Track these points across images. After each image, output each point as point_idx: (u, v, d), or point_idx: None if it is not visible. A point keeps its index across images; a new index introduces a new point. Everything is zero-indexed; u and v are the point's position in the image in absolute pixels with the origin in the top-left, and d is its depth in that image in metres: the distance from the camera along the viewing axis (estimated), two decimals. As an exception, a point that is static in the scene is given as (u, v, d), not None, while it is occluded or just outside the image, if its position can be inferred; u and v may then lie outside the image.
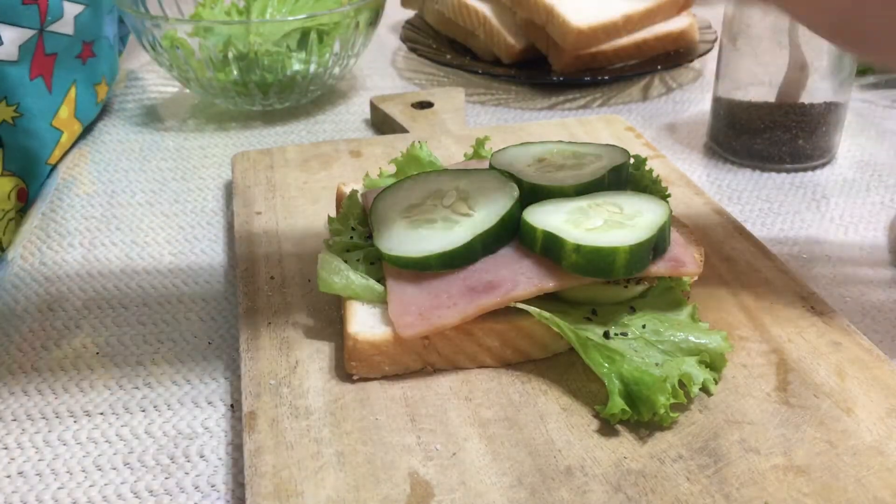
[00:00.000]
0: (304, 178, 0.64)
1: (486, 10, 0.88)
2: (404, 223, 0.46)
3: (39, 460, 0.42)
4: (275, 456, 0.38)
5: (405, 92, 0.80)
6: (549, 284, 0.43)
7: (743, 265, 0.52)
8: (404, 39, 0.93)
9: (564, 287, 0.43)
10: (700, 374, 0.41)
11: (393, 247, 0.45)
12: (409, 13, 1.02)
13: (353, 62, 0.82)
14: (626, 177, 0.51)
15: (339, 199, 0.56)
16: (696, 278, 0.47)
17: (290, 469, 0.38)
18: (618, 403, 0.39)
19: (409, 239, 0.45)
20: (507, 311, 0.43)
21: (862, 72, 0.85)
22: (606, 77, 0.83)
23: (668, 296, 0.45)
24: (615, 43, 0.85)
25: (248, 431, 0.40)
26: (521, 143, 0.54)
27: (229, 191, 0.67)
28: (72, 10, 0.68)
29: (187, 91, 0.86)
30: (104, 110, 0.83)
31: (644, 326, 0.43)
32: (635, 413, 0.39)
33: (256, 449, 0.39)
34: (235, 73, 0.76)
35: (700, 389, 0.41)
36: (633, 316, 0.44)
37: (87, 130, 0.79)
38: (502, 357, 0.44)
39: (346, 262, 0.47)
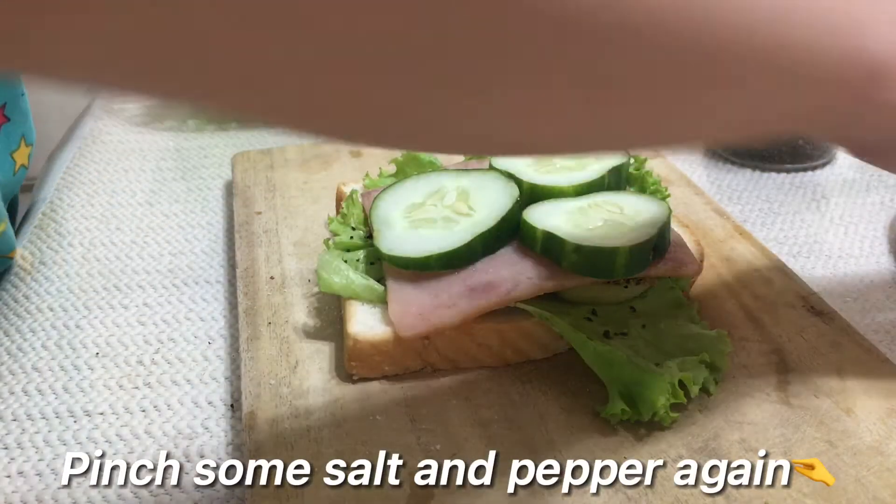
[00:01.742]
0: (304, 178, 0.64)
1: (486, 10, 0.88)
2: (404, 223, 0.46)
3: (39, 460, 0.42)
4: (275, 456, 0.38)
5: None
6: (549, 284, 0.43)
7: (743, 265, 0.52)
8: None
9: (564, 287, 0.43)
10: (700, 374, 0.40)
11: (393, 247, 0.45)
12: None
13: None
14: (625, 177, 0.51)
15: (339, 199, 0.56)
16: (696, 278, 0.47)
17: (290, 469, 0.37)
18: (618, 403, 0.39)
19: (409, 239, 0.45)
20: (507, 311, 0.43)
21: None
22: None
23: (668, 296, 0.45)
24: (615, 43, 0.84)
25: (248, 431, 0.40)
26: (521, 143, 0.54)
27: (229, 191, 0.67)
28: None
29: (187, 91, 0.85)
30: (104, 112, 0.83)
31: (644, 326, 0.43)
32: (635, 413, 0.39)
33: (256, 449, 0.39)
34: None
35: (700, 389, 0.41)
36: (633, 316, 0.44)
37: (86, 133, 0.79)
38: (502, 357, 0.44)
39: (346, 262, 0.47)
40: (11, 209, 0.65)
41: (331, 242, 0.49)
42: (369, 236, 0.49)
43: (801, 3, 0.26)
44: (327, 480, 0.37)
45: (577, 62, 0.24)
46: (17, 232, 0.62)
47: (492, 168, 0.50)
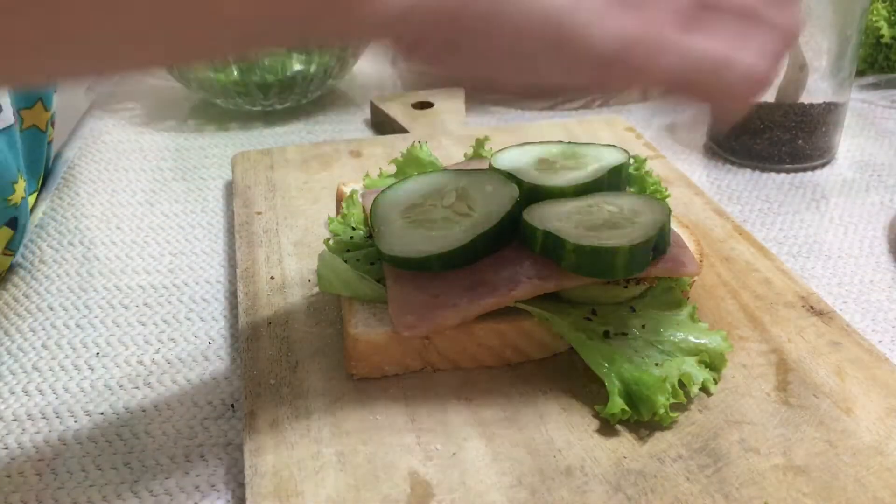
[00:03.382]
0: (304, 178, 0.64)
1: (486, 10, 0.88)
2: (404, 223, 0.46)
3: (39, 460, 0.42)
4: (275, 456, 0.38)
5: (405, 92, 0.80)
6: (549, 284, 0.43)
7: (743, 265, 0.52)
8: (404, 39, 0.93)
9: (564, 287, 0.43)
10: (700, 374, 0.41)
11: (393, 247, 0.45)
12: (409, 13, 1.02)
13: (353, 62, 0.82)
14: (625, 177, 0.51)
15: (339, 199, 0.56)
16: (696, 278, 0.47)
17: (290, 469, 0.38)
18: (618, 403, 0.39)
19: (409, 239, 0.45)
20: (507, 311, 0.43)
21: (862, 72, 0.85)
22: (606, 77, 0.83)
23: (668, 296, 0.45)
24: (615, 43, 0.84)
25: (248, 431, 0.40)
26: (521, 144, 0.54)
27: (229, 191, 0.67)
28: None
29: (187, 91, 0.86)
30: (101, 109, 0.83)
31: (644, 326, 0.43)
32: (635, 413, 0.39)
33: (256, 449, 0.39)
34: (236, 73, 0.76)
35: (700, 389, 0.41)
36: (633, 316, 0.44)
37: (86, 133, 0.79)
38: (502, 357, 0.44)
39: (346, 262, 0.47)
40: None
41: (331, 242, 0.49)
42: (369, 236, 0.49)
43: None
44: (328, 479, 0.37)
45: None
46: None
47: (492, 168, 0.50)
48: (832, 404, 0.41)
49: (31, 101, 0.63)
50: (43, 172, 0.67)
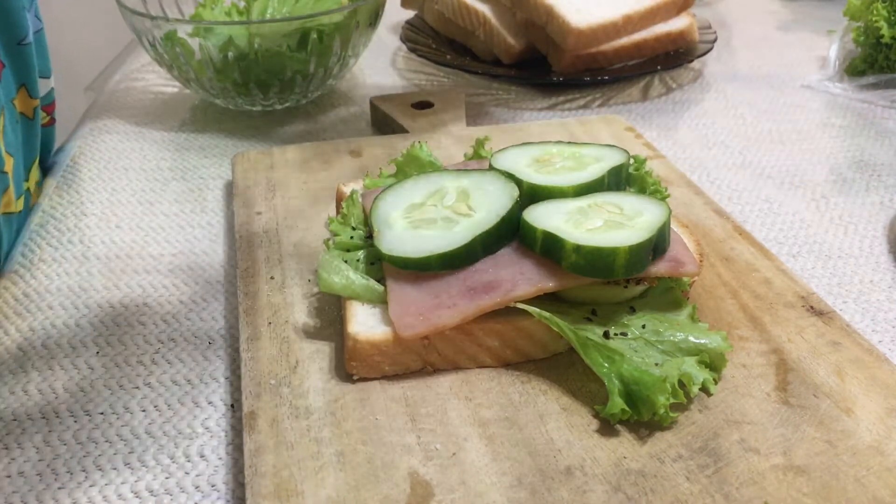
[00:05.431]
0: (304, 178, 0.64)
1: (486, 10, 0.88)
2: (404, 223, 0.46)
3: (40, 460, 0.42)
4: (275, 456, 0.38)
5: (405, 92, 0.80)
6: (549, 284, 0.43)
7: (743, 265, 0.52)
8: (404, 39, 0.93)
9: (564, 287, 0.43)
10: (700, 374, 0.41)
11: (393, 247, 0.45)
12: (409, 13, 1.02)
13: (353, 62, 0.82)
14: (625, 177, 0.51)
15: (339, 199, 0.56)
16: (696, 278, 0.47)
17: (290, 469, 0.38)
18: (618, 403, 0.39)
19: (409, 239, 0.45)
20: (507, 311, 0.43)
21: (862, 72, 0.85)
22: (606, 77, 0.83)
23: (668, 296, 0.45)
24: (615, 43, 0.85)
25: (248, 431, 0.40)
26: (521, 144, 0.54)
27: (229, 191, 0.67)
28: None
29: (187, 91, 0.86)
30: (105, 109, 0.83)
31: (644, 326, 0.43)
32: (635, 413, 0.39)
33: (256, 449, 0.39)
34: (236, 73, 0.76)
35: (700, 389, 0.41)
36: (633, 316, 0.44)
37: (86, 133, 0.79)
38: (502, 357, 0.44)
39: (346, 262, 0.47)
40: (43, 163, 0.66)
41: (331, 242, 0.49)
42: (369, 236, 0.49)
43: None
44: (328, 479, 0.37)
45: None
46: (18, 231, 0.62)
47: (492, 168, 0.50)
48: (832, 404, 0.41)
49: (13, 88, 0.62)
50: (37, 161, 0.66)
